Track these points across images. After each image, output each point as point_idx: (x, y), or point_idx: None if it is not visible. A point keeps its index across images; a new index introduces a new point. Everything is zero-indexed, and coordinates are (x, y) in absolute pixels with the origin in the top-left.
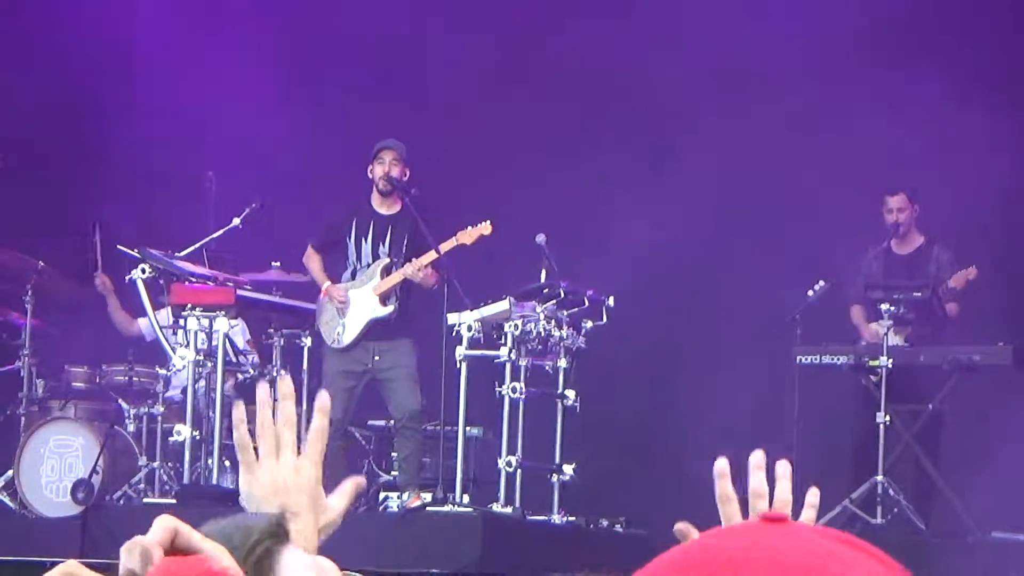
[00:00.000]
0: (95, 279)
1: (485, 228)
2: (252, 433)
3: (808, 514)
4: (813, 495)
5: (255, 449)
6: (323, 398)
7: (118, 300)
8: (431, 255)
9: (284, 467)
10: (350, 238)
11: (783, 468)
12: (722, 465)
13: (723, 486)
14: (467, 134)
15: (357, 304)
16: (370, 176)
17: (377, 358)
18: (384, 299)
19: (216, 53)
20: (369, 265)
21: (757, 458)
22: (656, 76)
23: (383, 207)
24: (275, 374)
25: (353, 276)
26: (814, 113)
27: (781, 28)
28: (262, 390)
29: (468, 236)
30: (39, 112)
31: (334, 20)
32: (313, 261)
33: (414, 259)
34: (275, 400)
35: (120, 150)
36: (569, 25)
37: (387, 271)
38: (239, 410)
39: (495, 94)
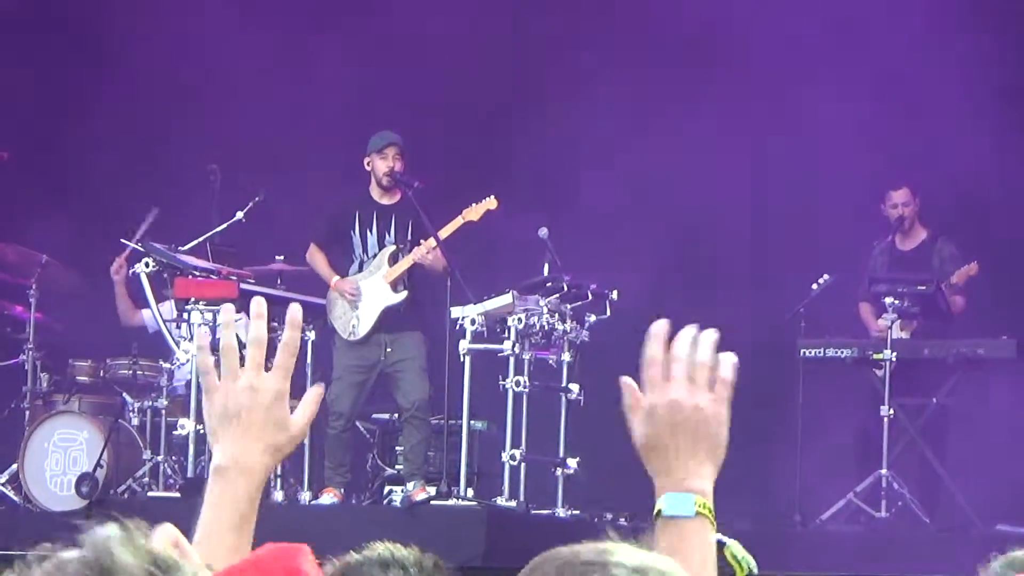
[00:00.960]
0: (114, 261)
1: (491, 203)
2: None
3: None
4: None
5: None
6: (293, 310)
7: (125, 288)
8: (443, 232)
9: (240, 388)
10: (354, 231)
11: (707, 336)
12: (659, 327)
13: (652, 348)
14: (469, 127)
15: (369, 294)
16: (368, 168)
17: (389, 350)
18: (395, 286)
19: (220, 44)
20: (375, 255)
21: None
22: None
23: (384, 197)
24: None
25: (361, 268)
26: (814, 109)
27: (783, 23)
28: (226, 312)
29: (474, 213)
30: (41, 105)
31: (337, 11)
32: (317, 258)
33: (421, 243)
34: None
35: (123, 143)
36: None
37: (395, 258)
38: (200, 336)
39: (500, 89)
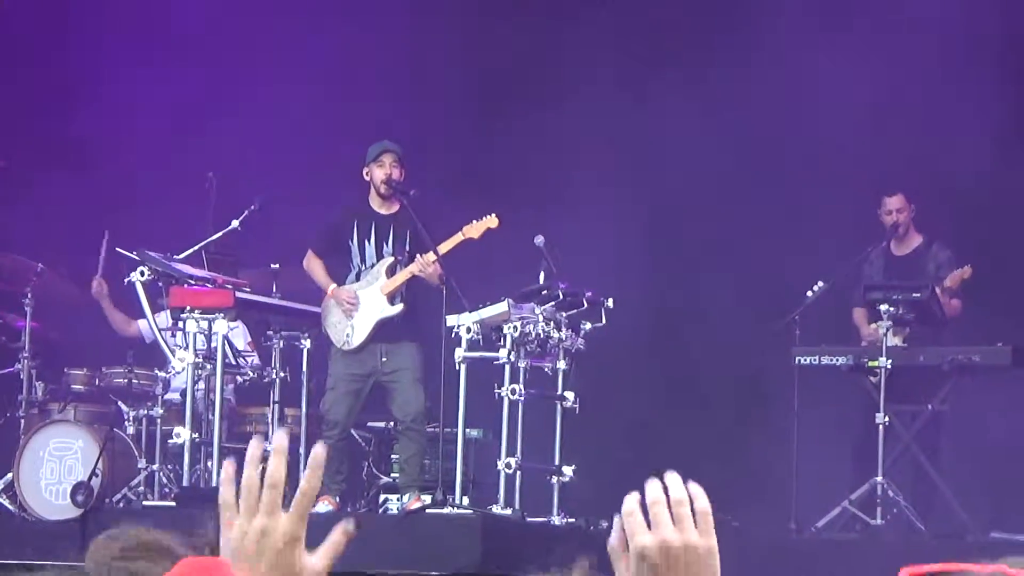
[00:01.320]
0: (92, 282)
1: (491, 221)
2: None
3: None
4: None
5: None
6: (318, 452)
7: (112, 302)
8: (442, 247)
9: (252, 529)
10: (352, 240)
11: (672, 478)
12: (630, 504)
13: (627, 503)
14: (465, 133)
15: (365, 304)
16: (366, 178)
17: (384, 359)
18: (392, 298)
19: (216, 49)
20: (373, 266)
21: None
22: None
23: (382, 207)
24: (274, 376)
25: (358, 278)
26: (811, 113)
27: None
28: (254, 446)
29: (474, 230)
30: (37, 112)
31: (333, 17)
32: (315, 265)
33: (419, 256)
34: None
35: (120, 150)
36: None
37: (392, 270)
38: (227, 470)
39: (493, 95)
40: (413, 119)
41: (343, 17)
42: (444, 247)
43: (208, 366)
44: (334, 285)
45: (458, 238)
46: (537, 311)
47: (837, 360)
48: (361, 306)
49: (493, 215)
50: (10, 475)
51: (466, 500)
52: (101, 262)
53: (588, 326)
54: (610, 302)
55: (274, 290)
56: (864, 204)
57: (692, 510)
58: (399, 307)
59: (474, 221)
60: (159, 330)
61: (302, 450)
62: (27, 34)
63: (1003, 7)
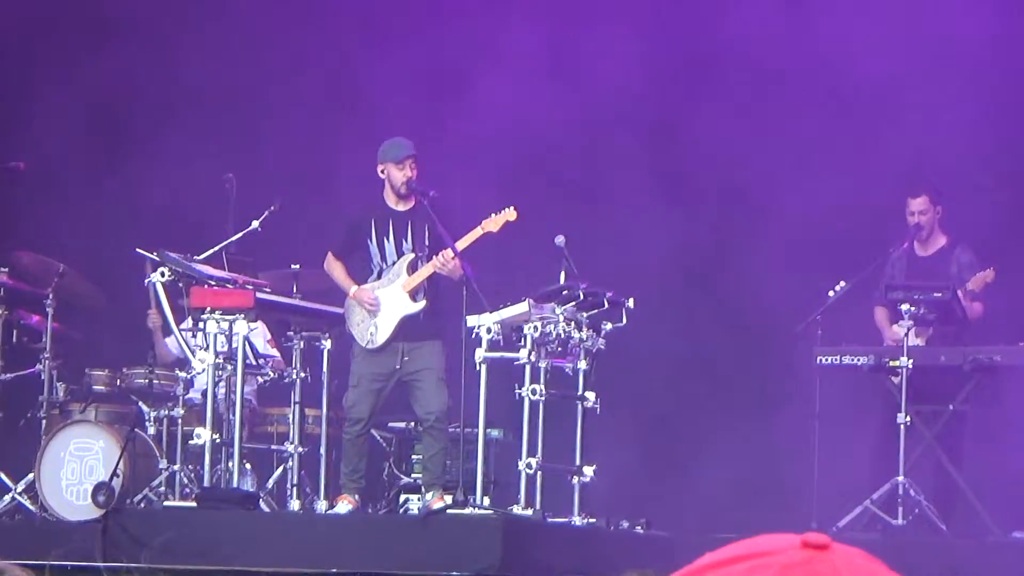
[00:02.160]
0: (149, 313)
1: (510, 214)
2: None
3: None
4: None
5: None
6: None
7: (163, 334)
8: (462, 242)
9: None
10: (371, 239)
11: None
12: None
13: None
14: (485, 134)
15: (387, 303)
16: (382, 176)
17: (406, 359)
18: (414, 295)
19: (236, 52)
20: (394, 263)
21: None
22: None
23: (399, 204)
24: (295, 377)
25: (379, 276)
26: (836, 113)
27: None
28: None
29: (494, 224)
30: (59, 115)
31: (352, 18)
32: (335, 267)
33: (438, 252)
34: None
35: (139, 152)
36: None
37: (413, 267)
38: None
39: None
40: (430, 117)
41: (359, 18)
42: (463, 242)
43: (229, 367)
44: (355, 286)
45: (477, 233)
46: (558, 311)
47: (858, 360)
48: (383, 304)
49: (511, 208)
50: (31, 476)
51: (487, 500)
52: (153, 293)
53: (609, 326)
54: (631, 302)
55: (294, 291)
56: (889, 204)
57: None
58: (422, 303)
59: (492, 215)
60: (179, 331)
61: (322, 450)
62: (57, 39)
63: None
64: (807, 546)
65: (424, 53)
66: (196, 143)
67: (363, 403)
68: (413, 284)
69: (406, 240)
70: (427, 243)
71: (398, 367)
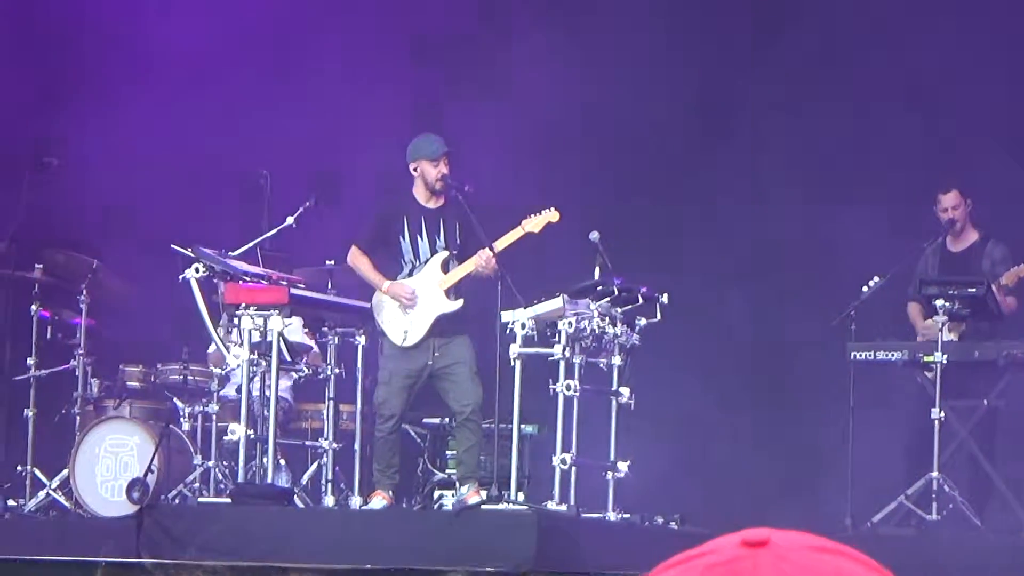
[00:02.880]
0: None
1: (552, 215)
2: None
3: None
4: None
5: None
6: None
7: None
8: (502, 242)
9: None
10: (404, 236)
11: None
12: None
13: None
14: (517, 131)
15: (422, 300)
16: (414, 173)
17: (437, 354)
18: (449, 293)
19: (272, 47)
20: (427, 261)
21: None
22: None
23: (429, 202)
24: (329, 372)
25: (410, 274)
26: (870, 110)
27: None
28: None
29: (535, 224)
30: (90, 112)
31: (391, 17)
32: (362, 261)
33: (472, 251)
34: None
35: (173, 148)
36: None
37: (446, 265)
38: None
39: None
40: (462, 113)
41: (407, 14)
42: (503, 242)
43: (263, 363)
44: (388, 282)
45: (518, 232)
46: (592, 307)
47: (893, 355)
48: (418, 301)
49: (553, 209)
50: (66, 472)
51: (521, 496)
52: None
53: (643, 322)
54: (665, 298)
55: (329, 287)
56: (920, 198)
57: None
58: (459, 303)
59: (533, 215)
60: (214, 327)
61: (356, 446)
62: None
63: None
64: (745, 544)
65: (453, 50)
66: (233, 138)
67: (395, 400)
68: (450, 283)
69: (439, 238)
70: (459, 240)
71: (430, 363)
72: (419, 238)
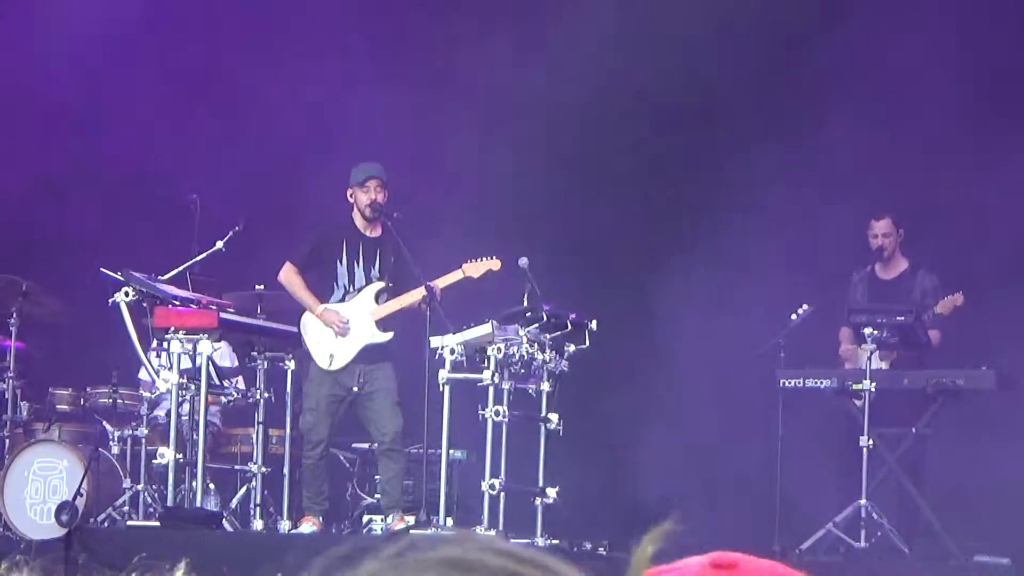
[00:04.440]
0: None
1: (494, 264)
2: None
3: None
4: None
5: None
6: None
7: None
8: (447, 279)
9: None
10: (341, 261)
11: None
12: None
13: None
14: (451, 158)
15: (354, 328)
16: (350, 199)
17: (362, 380)
18: (380, 324)
19: (204, 73)
20: (361, 288)
21: None
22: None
23: (367, 230)
24: (259, 397)
25: (343, 299)
26: (798, 134)
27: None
28: None
29: (475, 269)
30: (20, 133)
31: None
32: (295, 280)
33: (406, 284)
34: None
35: (104, 172)
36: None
37: (379, 296)
38: None
39: (483, 119)
40: (395, 140)
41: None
42: (442, 282)
43: (192, 387)
44: (323, 306)
45: (458, 275)
46: (521, 333)
47: (822, 383)
48: (349, 329)
49: (495, 258)
50: None
51: (450, 521)
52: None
53: (572, 348)
54: (594, 324)
55: (259, 311)
56: (852, 226)
57: None
58: (389, 335)
59: (474, 260)
60: (143, 351)
61: (285, 470)
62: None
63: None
64: (714, 566)
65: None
66: (162, 162)
67: (322, 425)
68: (382, 314)
69: (374, 267)
70: (393, 271)
71: (355, 388)
72: (355, 265)
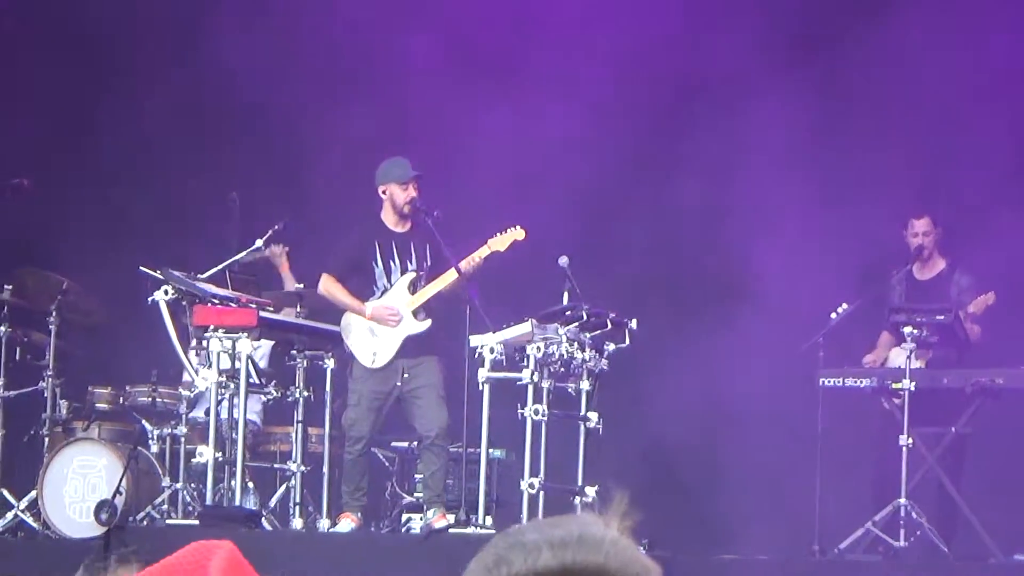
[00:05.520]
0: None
1: (518, 233)
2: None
3: None
4: None
5: None
6: None
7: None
8: (468, 260)
9: None
10: (376, 262)
11: None
12: None
13: None
14: (484, 154)
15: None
16: (383, 196)
17: (406, 376)
18: (417, 314)
19: (243, 71)
20: (395, 283)
21: None
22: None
23: (398, 226)
24: (298, 395)
25: (381, 296)
26: (835, 134)
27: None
28: None
29: (500, 242)
30: (63, 131)
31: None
32: (337, 288)
33: (440, 271)
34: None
35: (145, 170)
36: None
37: (414, 286)
38: None
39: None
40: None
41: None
42: (468, 261)
43: (232, 385)
44: (369, 304)
45: (484, 251)
46: (561, 332)
47: (861, 382)
48: (401, 316)
49: (518, 227)
50: (34, 493)
51: (489, 520)
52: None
53: (612, 347)
54: (634, 323)
55: (298, 310)
56: (889, 226)
57: None
58: (427, 323)
59: (498, 234)
60: (183, 349)
61: (324, 469)
62: (49, 57)
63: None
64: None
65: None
66: (201, 160)
67: (364, 422)
68: (417, 303)
69: (410, 261)
70: (427, 262)
71: (399, 384)
72: (392, 262)
